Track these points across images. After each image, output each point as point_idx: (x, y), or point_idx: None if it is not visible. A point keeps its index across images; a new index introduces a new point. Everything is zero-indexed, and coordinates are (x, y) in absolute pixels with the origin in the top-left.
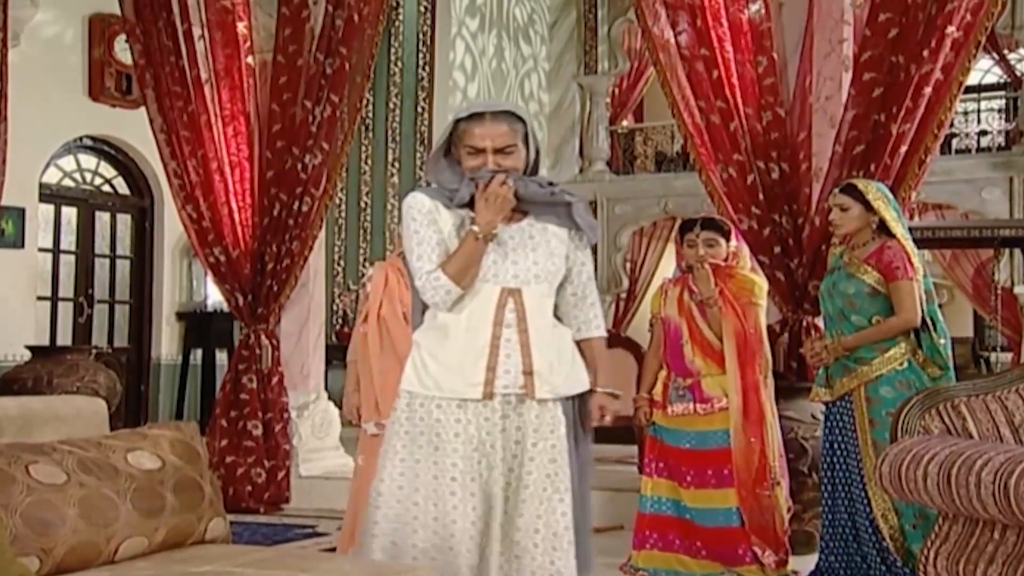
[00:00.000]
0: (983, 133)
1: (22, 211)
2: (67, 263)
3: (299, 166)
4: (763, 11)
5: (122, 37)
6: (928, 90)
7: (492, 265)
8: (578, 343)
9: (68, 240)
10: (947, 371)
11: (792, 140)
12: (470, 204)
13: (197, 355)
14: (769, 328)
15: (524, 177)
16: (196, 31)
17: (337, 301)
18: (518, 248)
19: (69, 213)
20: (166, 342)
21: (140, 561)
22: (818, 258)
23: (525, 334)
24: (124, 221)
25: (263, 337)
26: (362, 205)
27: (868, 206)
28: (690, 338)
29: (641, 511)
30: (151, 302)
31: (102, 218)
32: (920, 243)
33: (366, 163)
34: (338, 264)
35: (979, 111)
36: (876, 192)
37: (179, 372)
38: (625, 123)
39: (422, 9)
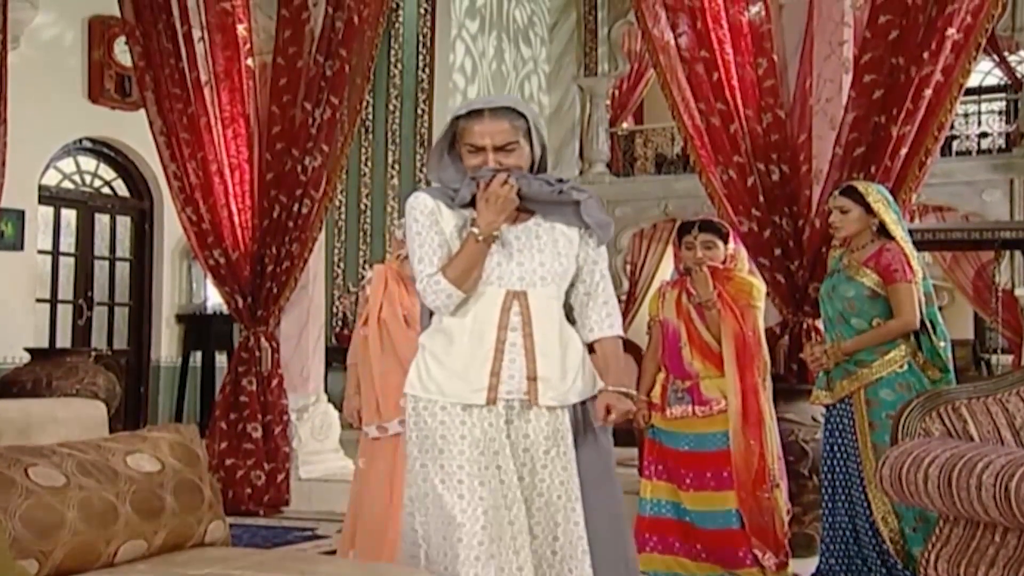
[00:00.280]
0: (983, 135)
1: (21, 213)
2: (67, 265)
3: (299, 168)
4: (763, 13)
5: (122, 39)
6: (928, 92)
7: (496, 267)
8: (590, 345)
9: (68, 242)
10: (947, 373)
11: (792, 142)
12: (473, 204)
13: (197, 357)
14: (769, 330)
15: (528, 175)
16: (196, 33)
17: (337, 303)
18: (524, 249)
19: (69, 215)
20: (166, 344)
21: (139, 564)
22: (818, 260)
23: (530, 338)
24: (124, 223)
25: (263, 339)
26: (362, 207)
27: (868, 208)
28: (688, 341)
29: (641, 514)
30: (151, 304)
31: (102, 220)
32: (920, 245)
33: (366, 165)
34: (338, 266)
35: (979, 113)
36: (876, 194)
37: (179, 374)
38: (625, 125)
39: (422, 11)
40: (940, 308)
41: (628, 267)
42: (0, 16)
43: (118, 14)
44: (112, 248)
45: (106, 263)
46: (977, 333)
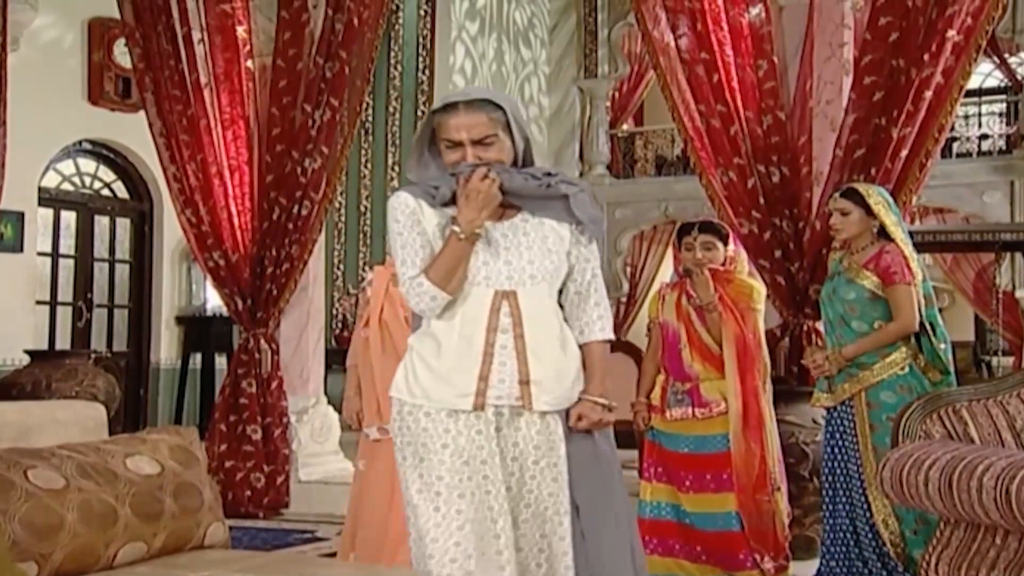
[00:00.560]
0: (984, 137)
1: (21, 215)
2: (66, 267)
3: (299, 170)
4: (763, 15)
5: (121, 41)
6: (929, 94)
7: (483, 267)
8: (580, 347)
9: (67, 244)
10: (948, 375)
11: (792, 144)
12: (454, 202)
13: (196, 359)
14: (769, 332)
15: (510, 169)
16: (196, 35)
17: (337, 305)
18: (511, 247)
19: (68, 217)
20: (165, 346)
21: (139, 566)
22: (819, 262)
23: (522, 340)
24: (123, 225)
25: (262, 341)
26: (362, 209)
27: (869, 210)
28: (688, 342)
29: (640, 516)
30: (150, 306)
31: (101, 222)
32: (921, 247)
33: (366, 167)
34: (338, 268)
35: (980, 115)
36: (877, 196)
37: (178, 376)
38: (625, 127)
39: (422, 13)
40: (940, 310)
41: (628, 269)
42: (0, 18)
43: (118, 16)
44: (112, 250)
45: (106, 265)
46: (978, 335)
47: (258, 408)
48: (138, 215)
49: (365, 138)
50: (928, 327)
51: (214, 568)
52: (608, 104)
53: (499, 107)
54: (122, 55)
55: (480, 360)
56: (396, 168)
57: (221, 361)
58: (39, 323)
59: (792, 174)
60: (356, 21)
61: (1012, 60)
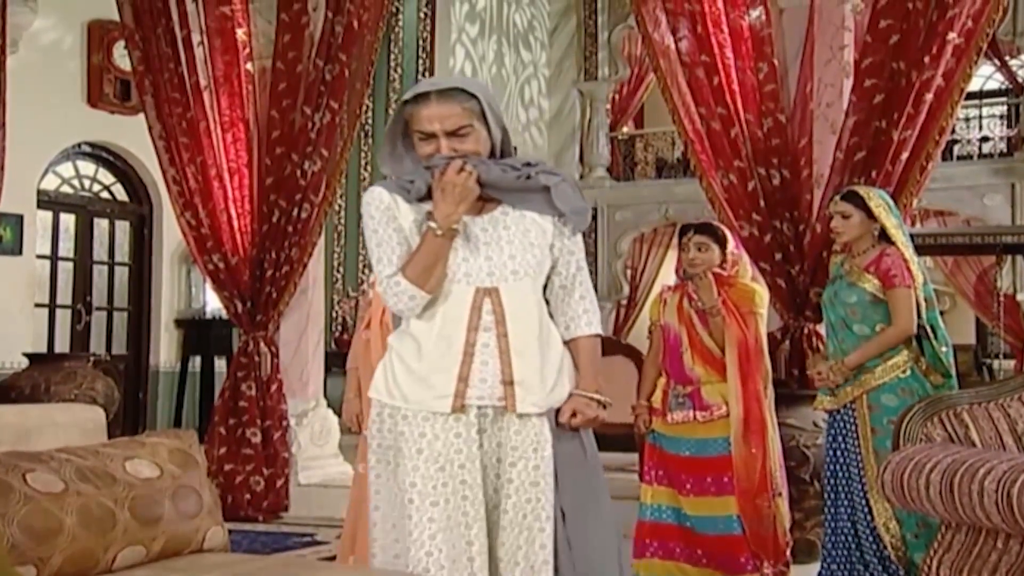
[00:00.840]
0: (985, 139)
1: (20, 218)
2: (65, 270)
3: (298, 173)
4: (764, 17)
5: (121, 43)
6: (929, 96)
7: (462, 263)
8: (567, 343)
9: (66, 247)
10: (950, 379)
11: (793, 146)
12: (431, 196)
13: (196, 362)
14: (770, 335)
15: (487, 161)
16: (195, 38)
17: (336, 308)
18: (491, 242)
19: (67, 220)
20: (164, 349)
21: (138, 570)
22: (819, 265)
23: (505, 338)
24: (123, 228)
25: (262, 344)
26: (362, 212)
27: (870, 213)
28: (690, 346)
29: (641, 519)
30: (150, 309)
31: (100, 225)
32: (921, 250)
33: (365, 170)
34: (337, 271)
35: (981, 117)
36: (878, 199)
37: (177, 379)
38: (625, 129)
39: (422, 15)
40: (941, 313)
41: (628, 271)
42: None
43: (117, 18)
44: (111, 253)
45: (105, 268)
46: (979, 338)
47: (258, 411)
48: (137, 218)
49: (365, 141)
50: (929, 330)
51: (213, 572)
52: (608, 107)
53: (473, 96)
54: (122, 58)
55: (460, 360)
56: None
57: (220, 364)
58: (38, 326)
59: (792, 177)
60: (356, 24)
61: (1013, 63)
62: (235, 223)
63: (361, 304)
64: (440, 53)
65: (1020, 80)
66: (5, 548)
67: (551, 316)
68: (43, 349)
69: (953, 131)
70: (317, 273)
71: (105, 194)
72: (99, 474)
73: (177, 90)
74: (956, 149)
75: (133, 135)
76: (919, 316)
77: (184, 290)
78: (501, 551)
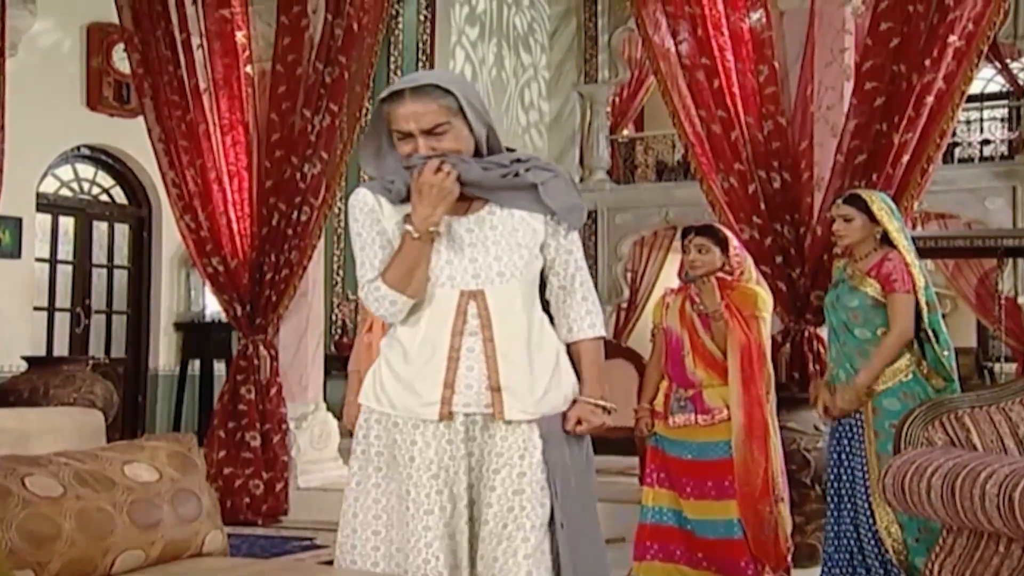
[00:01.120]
0: (986, 142)
1: (19, 221)
2: (64, 273)
3: (298, 176)
4: (764, 20)
5: (120, 46)
6: (930, 99)
7: (446, 266)
8: (568, 347)
9: (65, 250)
10: (952, 382)
11: (793, 149)
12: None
13: (195, 366)
14: (771, 339)
15: (468, 159)
16: (195, 40)
17: (336, 311)
18: (477, 243)
19: (66, 223)
20: (164, 353)
21: (137, 574)
22: (820, 268)
23: (491, 343)
24: (122, 231)
25: (261, 347)
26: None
27: (872, 217)
28: (692, 349)
29: (642, 521)
30: (149, 312)
31: (100, 228)
32: (923, 253)
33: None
34: (337, 274)
35: (982, 120)
36: (880, 203)
37: (177, 383)
38: (626, 132)
39: (422, 18)
40: (943, 316)
41: (628, 275)
42: None
43: (117, 21)
44: (110, 256)
45: (104, 271)
46: (980, 341)
47: (257, 415)
48: (136, 221)
49: None
50: (932, 334)
51: None
52: (608, 109)
53: (449, 92)
54: (121, 60)
55: (444, 366)
56: None
57: (220, 367)
58: (37, 329)
59: (793, 180)
60: (356, 26)
61: (1014, 65)
62: (234, 226)
63: (361, 307)
64: (440, 56)
65: (1021, 83)
66: (3, 552)
67: (551, 319)
68: (42, 352)
69: (954, 134)
70: (317, 276)
71: (104, 197)
72: (98, 478)
73: (176, 93)
74: (957, 152)
75: (132, 138)
76: (922, 320)
77: (183, 293)
78: (480, 565)
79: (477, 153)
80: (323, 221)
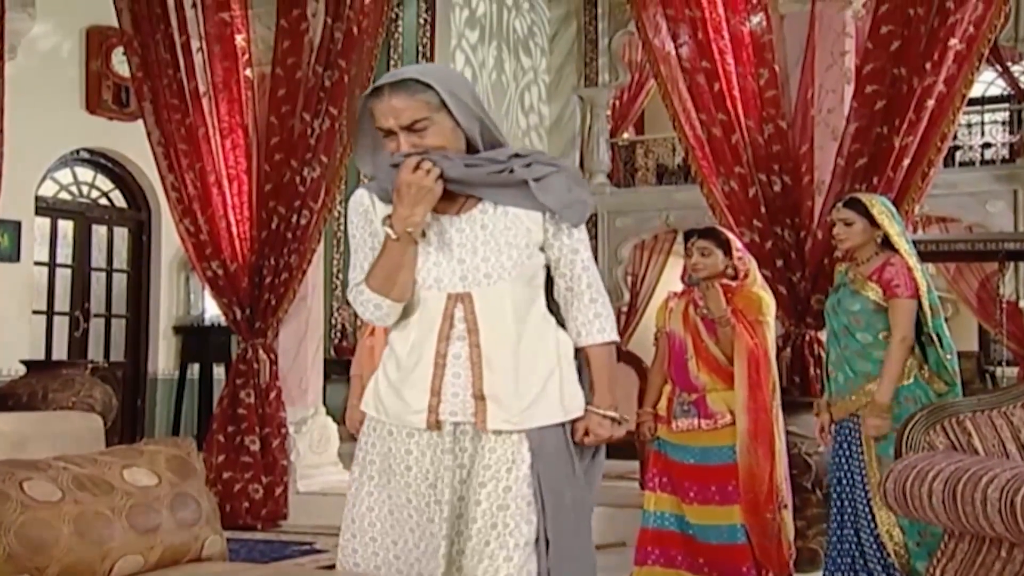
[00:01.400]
0: (987, 145)
1: (18, 224)
2: (63, 277)
3: (298, 179)
4: (764, 23)
5: (120, 49)
6: (931, 102)
7: (434, 267)
8: (579, 352)
9: (64, 253)
10: (954, 386)
11: (794, 153)
12: None
13: (194, 370)
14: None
15: (453, 156)
16: (194, 44)
17: (336, 315)
18: (466, 243)
19: (65, 226)
20: (163, 356)
21: None
22: (820, 272)
23: (477, 348)
24: (121, 234)
25: (261, 351)
26: None
27: (872, 220)
28: (695, 353)
29: (644, 526)
30: (148, 316)
31: (99, 231)
32: (924, 256)
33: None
34: (336, 278)
35: (983, 123)
36: (880, 207)
37: (176, 387)
38: (626, 135)
39: (421, 21)
40: (945, 320)
41: (629, 278)
42: None
43: (116, 24)
44: (109, 259)
45: (103, 274)
46: (982, 345)
47: (256, 419)
48: (136, 224)
49: None
50: (935, 337)
51: None
52: (609, 113)
53: (429, 86)
54: (120, 64)
55: (431, 372)
56: None
57: (219, 371)
58: (35, 333)
59: (794, 183)
60: (355, 30)
61: (1015, 69)
62: (234, 230)
63: None
64: (440, 59)
65: (1022, 86)
66: (1, 558)
67: (561, 323)
68: (41, 356)
69: (955, 137)
70: (316, 280)
71: (103, 200)
72: (97, 482)
73: (176, 96)
74: (958, 155)
75: (131, 141)
76: (925, 324)
77: (183, 297)
78: None
79: (471, 149)
80: (323, 225)
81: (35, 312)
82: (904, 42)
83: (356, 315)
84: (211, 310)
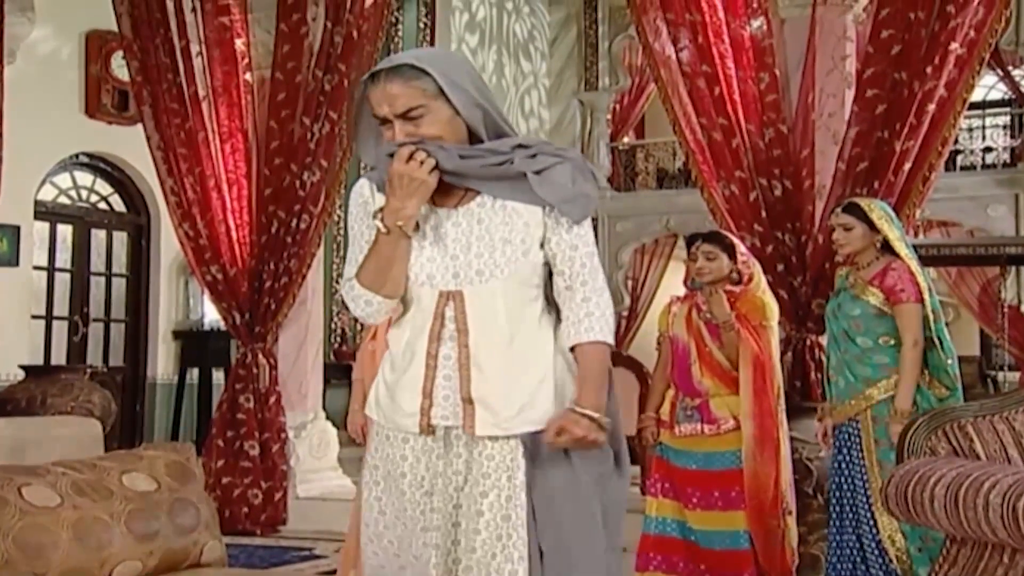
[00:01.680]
0: (988, 150)
1: (17, 229)
2: (62, 281)
3: (297, 183)
4: (765, 28)
5: (119, 54)
6: (932, 107)
7: (427, 263)
8: (572, 351)
9: (63, 258)
10: (955, 391)
11: (795, 157)
12: None
13: (193, 374)
14: None
15: (449, 146)
16: (194, 48)
17: (335, 320)
18: (461, 239)
19: (65, 231)
20: (162, 361)
21: None
22: (821, 276)
23: (466, 349)
24: (120, 239)
25: (260, 356)
26: None
27: (872, 225)
28: (698, 357)
29: (645, 532)
30: (147, 320)
31: (98, 236)
32: (925, 261)
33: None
34: (336, 282)
35: (984, 128)
36: (879, 211)
37: (175, 392)
38: (626, 140)
39: (421, 25)
40: (946, 324)
41: (629, 283)
42: None
43: (115, 29)
44: (108, 264)
45: (102, 279)
46: (983, 350)
47: (256, 424)
48: (135, 229)
49: None
50: (936, 342)
51: None
52: (609, 117)
53: (425, 72)
54: (120, 68)
55: (422, 373)
56: None
57: (218, 376)
58: (34, 338)
59: (794, 187)
60: (355, 34)
61: (1016, 73)
62: (233, 234)
63: None
64: None
65: (1023, 90)
66: (0, 563)
67: (559, 321)
68: (39, 361)
69: (956, 141)
70: (316, 284)
71: (103, 205)
72: (95, 488)
73: (175, 100)
74: (959, 159)
75: (131, 146)
76: (927, 328)
77: (182, 301)
78: None
79: (474, 139)
80: (322, 229)
81: (34, 317)
82: (905, 46)
83: (356, 319)
84: (210, 314)
